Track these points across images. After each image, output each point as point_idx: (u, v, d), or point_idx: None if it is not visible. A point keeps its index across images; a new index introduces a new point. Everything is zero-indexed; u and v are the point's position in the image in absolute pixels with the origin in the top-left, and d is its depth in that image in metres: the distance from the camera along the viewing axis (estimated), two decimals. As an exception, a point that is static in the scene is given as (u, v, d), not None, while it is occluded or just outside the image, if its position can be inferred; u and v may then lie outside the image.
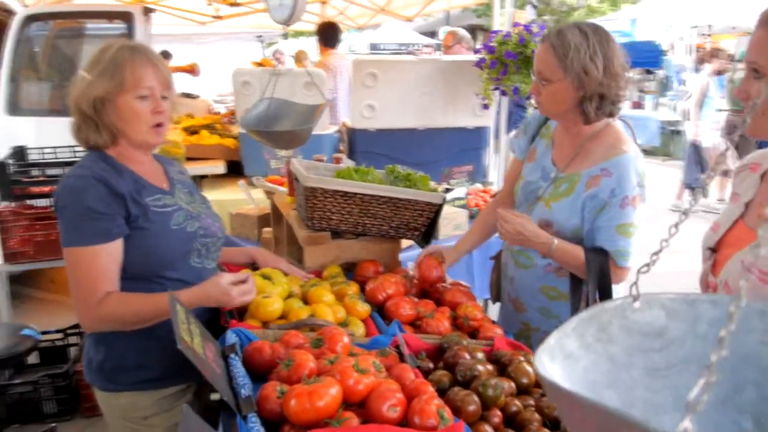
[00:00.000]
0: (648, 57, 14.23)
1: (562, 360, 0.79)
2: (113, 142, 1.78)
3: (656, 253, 0.87)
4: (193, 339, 1.42)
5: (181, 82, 9.20)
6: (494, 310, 4.64)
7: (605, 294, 2.00)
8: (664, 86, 13.53)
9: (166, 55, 11.35)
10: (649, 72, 14.33)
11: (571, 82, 1.92)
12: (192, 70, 7.70)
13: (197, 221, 1.88)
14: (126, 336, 1.78)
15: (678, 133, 11.62)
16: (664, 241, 0.85)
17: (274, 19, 3.05)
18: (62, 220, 1.71)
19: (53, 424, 3.32)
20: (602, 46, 1.93)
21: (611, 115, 2.02)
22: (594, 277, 1.98)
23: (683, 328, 0.91)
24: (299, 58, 7.51)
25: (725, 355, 0.60)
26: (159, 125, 1.79)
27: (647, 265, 0.89)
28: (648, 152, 12.53)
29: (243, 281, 1.81)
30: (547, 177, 2.15)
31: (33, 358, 3.79)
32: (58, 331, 3.77)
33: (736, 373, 0.89)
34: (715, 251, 1.51)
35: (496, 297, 2.52)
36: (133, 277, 1.76)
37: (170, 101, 1.83)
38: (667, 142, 12.10)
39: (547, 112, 2.09)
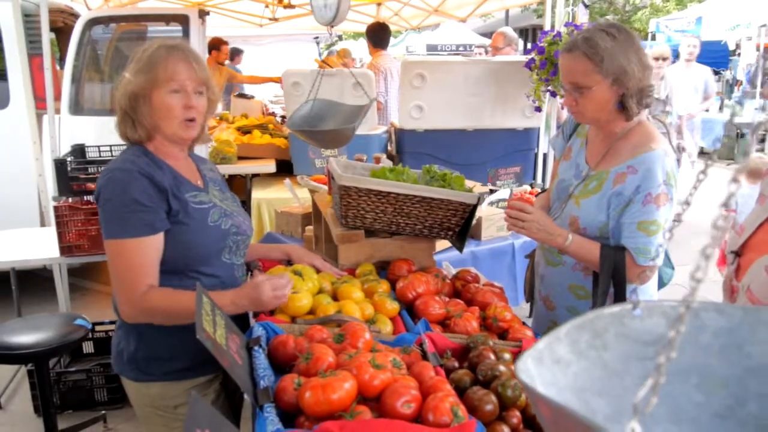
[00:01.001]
0: (714, 57, 13.78)
1: (551, 365, 0.78)
2: (149, 137, 1.84)
3: (653, 258, 0.86)
4: (216, 330, 1.47)
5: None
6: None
7: (620, 291, 2.00)
8: (731, 87, 13.07)
9: (237, 51, 11.78)
10: (715, 72, 13.87)
11: (610, 84, 1.93)
12: (280, 81, 7.99)
13: (230, 219, 1.92)
14: (157, 327, 1.82)
15: (743, 135, 11.19)
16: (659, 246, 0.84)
17: (319, 20, 3.10)
18: (106, 212, 1.76)
19: (103, 412, 3.46)
20: (630, 43, 1.93)
21: (647, 106, 2.03)
22: (607, 272, 1.98)
23: (685, 338, 0.88)
24: (341, 56, 7.52)
25: (674, 356, 0.59)
26: (191, 120, 1.84)
27: (644, 271, 0.88)
28: (710, 155, 12.11)
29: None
30: (579, 175, 2.16)
31: (89, 348, 3.96)
32: (112, 323, 3.91)
33: (740, 386, 0.86)
34: (739, 255, 1.47)
35: (530, 295, 2.55)
36: (169, 271, 1.80)
37: (206, 98, 1.88)
38: (731, 145, 11.67)
39: (588, 119, 2.08)
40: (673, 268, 2.32)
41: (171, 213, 1.78)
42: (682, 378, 0.88)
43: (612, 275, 1.99)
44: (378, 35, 5.76)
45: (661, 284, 2.28)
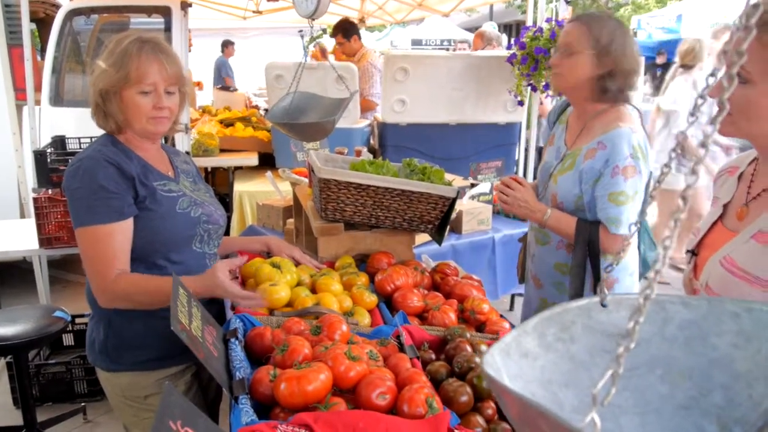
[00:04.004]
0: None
1: (518, 358, 0.79)
2: (119, 129, 1.85)
3: (619, 253, 0.87)
4: (191, 322, 1.47)
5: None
6: (519, 305, 4.63)
7: (595, 264, 2.16)
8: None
9: (228, 42, 11.80)
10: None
11: (594, 57, 2.11)
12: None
13: (200, 208, 1.94)
14: (128, 316, 1.83)
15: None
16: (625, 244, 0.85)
17: (300, 13, 3.09)
18: (75, 201, 1.77)
19: (83, 404, 3.45)
20: (627, 35, 2.15)
21: (626, 100, 2.19)
22: (582, 244, 2.14)
23: (651, 330, 0.89)
24: (322, 50, 7.47)
25: (633, 346, 0.61)
26: (161, 117, 1.85)
27: (610, 265, 0.89)
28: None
29: (238, 266, 1.88)
30: (559, 156, 2.32)
31: (69, 341, 3.94)
32: (92, 315, 3.89)
33: (705, 377, 0.87)
34: (695, 254, 1.51)
35: (522, 277, 2.67)
36: (137, 258, 1.82)
37: (178, 94, 1.88)
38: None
39: (564, 81, 2.22)
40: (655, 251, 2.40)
41: (138, 199, 1.80)
42: (648, 370, 0.89)
43: (587, 247, 2.14)
44: (357, 29, 5.71)
45: (646, 266, 2.39)
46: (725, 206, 1.49)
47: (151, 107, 1.81)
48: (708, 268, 1.42)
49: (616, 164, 2.08)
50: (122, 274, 1.76)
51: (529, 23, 5.07)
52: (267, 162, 4.95)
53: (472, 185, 3.79)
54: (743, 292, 1.29)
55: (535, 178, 2.81)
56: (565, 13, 4.82)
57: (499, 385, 0.68)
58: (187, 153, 4.61)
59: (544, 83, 4.20)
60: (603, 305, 0.89)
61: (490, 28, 5.97)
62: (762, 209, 1.36)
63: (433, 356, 1.77)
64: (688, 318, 0.90)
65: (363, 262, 2.38)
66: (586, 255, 2.15)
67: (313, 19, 3.07)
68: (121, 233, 1.76)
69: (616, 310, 0.90)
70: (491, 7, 19.66)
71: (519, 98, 4.51)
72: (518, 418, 0.69)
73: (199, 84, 8.80)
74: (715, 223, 1.49)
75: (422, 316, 2.05)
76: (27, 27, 4.18)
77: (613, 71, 2.12)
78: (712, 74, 0.69)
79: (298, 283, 2.06)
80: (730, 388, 0.88)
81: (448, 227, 2.48)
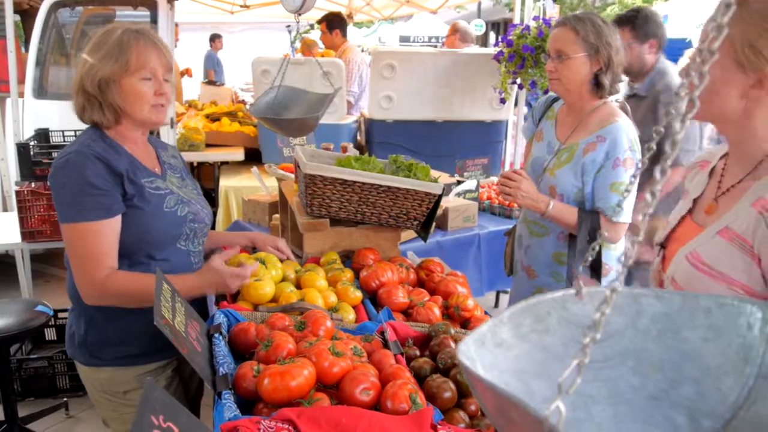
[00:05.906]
0: (680, 55, 13.98)
1: (492, 347, 0.80)
2: (116, 121, 1.83)
3: (593, 248, 0.88)
4: (175, 317, 1.46)
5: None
6: (504, 302, 4.65)
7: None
8: (697, 84, 13.25)
9: (216, 36, 11.77)
10: (682, 69, 14.04)
11: (587, 57, 2.23)
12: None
13: (187, 206, 1.92)
14: (108, 311, 1.81)
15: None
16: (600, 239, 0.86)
17: (286, 8, 3.08)
18: (62, 196, 1.74)
19: (65, 399, 3.42)
20: (612, 32, 2.26)
21: (617, 91, 2.31)
22: (584, 232, 2.23)
23: (624, 322, 0.90)
24: (308, 46, 7.40)
25: (598, 337, 0.61)
26: (161, 105, 1.85)
27: (587, 259, 0.89)
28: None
29: (238, 265, 1.86)
30: (551, 151, 2.40)
31: (51, 335, 3.91)
32: (74, 310, 3.86)
33: (676, 370, 0.89)
34: (664, 247, 1.53)
35: (510, 270, 2.73)
36: (122, 255, 1.79)
37: (171, 83, 1.88)
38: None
39: (564, 87, 2.32)
40: None
41: (126, 197, 1.77)
42: (620, 361, 0.90)
43: (589, 235, 2.24)
44: (344, 24, 5.68)
45: None
46: (695, 201, 1.50)
47: (153, 94, 1.80)
48: (675, 261, 1.43)
49: (617, 156, 2.21)
50: (114, 273, 1.74)
51: (517, 21, 5.08)
52: (253, 157, 4.94)
53: (458, 182, 3.80)
54: (707, 288, 1.30)
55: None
56: (553, 11, 4.84)
57: (472, 374, 0.69)
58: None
59: (530, 81, 4.21)
60: (578, 297, 0.90)
61: (468, 25, 5.96)
62: (730, 205, 1.37)
63: (418, 352, 1.77)
64: (661, 311, 0.91)
65: (348, 258, 2.37)
66: (588, 243, 2.24)
67: (300, 15, 3.07)
68: (109, 230, 1.74)
69: (591, 303, 0.91)
70: (479, 4, 19.69)
71: (502, 95, 4.52)
72: (491, 407, 0.70)
73: (188, 71, 8.69)
74: (684, 217, 1.51)
75: (407, 313, 2.06)
76: (11, 18, 4.14)
77: (605, 66, 2.24)
78: (687, 74, 0.70)
79: (283, 279, 2.06)
80: (700, 382, 0.89)
81: (434, 224, 2.49)
